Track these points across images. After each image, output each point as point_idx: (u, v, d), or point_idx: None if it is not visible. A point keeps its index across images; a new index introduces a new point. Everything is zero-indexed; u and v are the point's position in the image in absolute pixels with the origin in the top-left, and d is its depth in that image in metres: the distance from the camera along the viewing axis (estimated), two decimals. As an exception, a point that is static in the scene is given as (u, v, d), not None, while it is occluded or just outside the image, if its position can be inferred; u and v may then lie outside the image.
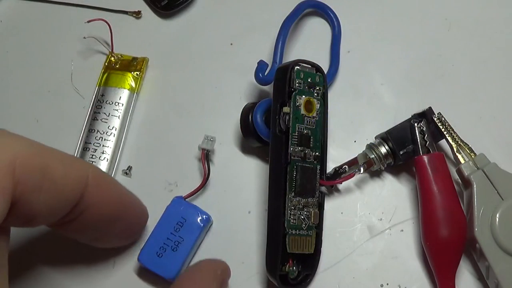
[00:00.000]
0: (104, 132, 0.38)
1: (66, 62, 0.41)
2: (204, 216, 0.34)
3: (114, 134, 0.38)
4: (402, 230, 0.35)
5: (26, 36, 0.42)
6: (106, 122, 0.38)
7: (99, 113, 0.38)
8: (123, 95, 0.39)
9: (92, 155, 0.37)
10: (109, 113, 0.38)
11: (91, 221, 0.28)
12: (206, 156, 0.35)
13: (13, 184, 0.23)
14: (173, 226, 0.33)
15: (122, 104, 0.38)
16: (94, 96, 0.39)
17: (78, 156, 0.37)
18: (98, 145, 0.37)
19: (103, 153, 0.37)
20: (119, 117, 0.38)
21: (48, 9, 0.43)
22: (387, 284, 0.34)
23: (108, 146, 0.37)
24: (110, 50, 0.40)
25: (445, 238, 0.32)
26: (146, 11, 0.42)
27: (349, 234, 0.35)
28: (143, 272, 0.34)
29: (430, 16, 0.40)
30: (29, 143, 0.25)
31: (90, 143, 0.37)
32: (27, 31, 0.42)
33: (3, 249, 0.24)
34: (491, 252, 0.31)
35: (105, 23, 0.39)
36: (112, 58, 0.40)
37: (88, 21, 0.39)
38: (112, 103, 0.38)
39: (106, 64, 0.40)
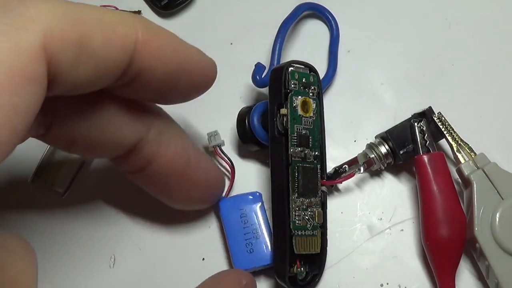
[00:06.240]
0: None
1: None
2: (255, 194, 0.34)
3: None
4: (402, 230, 0.35)
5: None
6: None
7: None
8: None
9: None
10: None
11: (146, 85, 0.25)
12: (221, 151, 0.35)
13: (46, 67, 0.20)
14: (240, 223, 0.33)
15: None
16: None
17: None
18: None
19: None
20: None
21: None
22: (387, 283, 0.34)
23: None
24: None
25: (445, 237, 0.32)
26: (146, 10, 0.42)
27: (349, 233, 0.35)
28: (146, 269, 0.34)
29: (430, 16, 0.40)
30: (63, 11, 0.20)
31: None
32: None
33: None
34: (491, 251, 0.31)
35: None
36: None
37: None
38: None
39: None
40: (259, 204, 0.34)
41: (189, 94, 0.29)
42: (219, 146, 0.35)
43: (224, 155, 0.35)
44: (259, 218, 0.33)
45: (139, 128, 0.28)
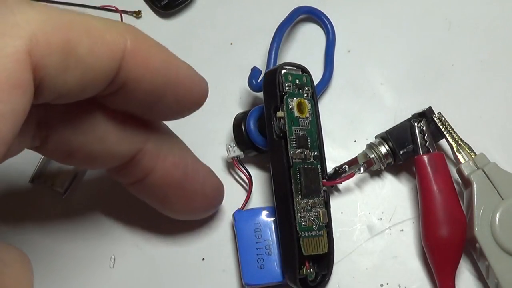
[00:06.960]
0: None
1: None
2: (271, 210, 0.33)
3: None
4: (402, 230, 0.35)
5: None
6: None
7: None
8: None
9: None
10: None
11: (132, 96, 0.24)
12: (239, 162, 0.35)
13: (31, 73, 0.19)
14: (253, 237, 0.33)
15: None
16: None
17: None
18: None
19: None
20: None
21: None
22: (387, 284, 0.34)
23: None
24: None
25: (445, 237, 0.32)
26: (146, 10, 0.42)
27: (349, 234, 0.35)
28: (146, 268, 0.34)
29: (430, 16, 0.40)
30: (49, 16, 0.20)
31: None
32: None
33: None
34: (491, 251, 0.31)
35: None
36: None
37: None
38: None
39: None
40: (273, 220, 0.33)
41: (178, 111, 0.28)
42: (238, 157, 0.35)
43: (243, 167, 0.35)
44: (273, 234, 0.33)
45: (136, 140, 0.27)
